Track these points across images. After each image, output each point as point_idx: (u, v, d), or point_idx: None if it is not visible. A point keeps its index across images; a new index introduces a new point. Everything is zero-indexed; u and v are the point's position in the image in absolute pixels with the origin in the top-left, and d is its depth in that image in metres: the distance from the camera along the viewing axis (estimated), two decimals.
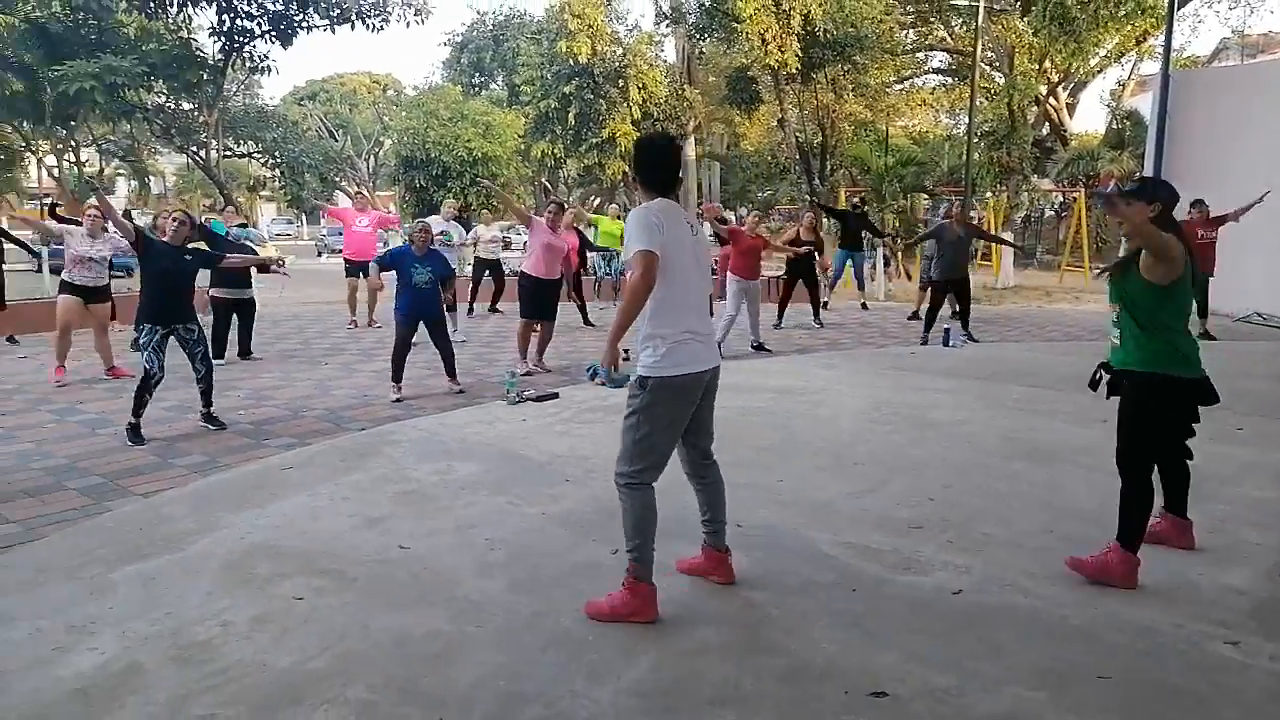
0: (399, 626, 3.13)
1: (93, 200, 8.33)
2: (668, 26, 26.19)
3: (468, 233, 12.63)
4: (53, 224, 8.45)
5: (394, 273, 7.29)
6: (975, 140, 17.95)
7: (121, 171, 39.56)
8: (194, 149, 17.95)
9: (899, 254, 17.09)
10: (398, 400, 6.99)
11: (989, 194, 21.11)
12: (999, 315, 12.94)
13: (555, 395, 6.98)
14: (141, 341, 5.91)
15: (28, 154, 30.10)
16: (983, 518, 4.23)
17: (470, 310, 12.16)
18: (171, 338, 5.97)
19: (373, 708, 2.64)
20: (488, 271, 12.48)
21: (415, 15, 17.24)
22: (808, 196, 21.81)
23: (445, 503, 4.49)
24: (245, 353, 9.03)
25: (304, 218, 51.09)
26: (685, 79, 26.17)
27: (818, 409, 6.54)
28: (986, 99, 22.44)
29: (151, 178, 39.00)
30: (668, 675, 2.84)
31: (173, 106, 18.32)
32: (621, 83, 23.61)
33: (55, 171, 28.03)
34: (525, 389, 6.98)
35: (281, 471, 5.03)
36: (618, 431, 3.25)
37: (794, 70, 20.28)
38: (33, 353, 9.15)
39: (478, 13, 37.19)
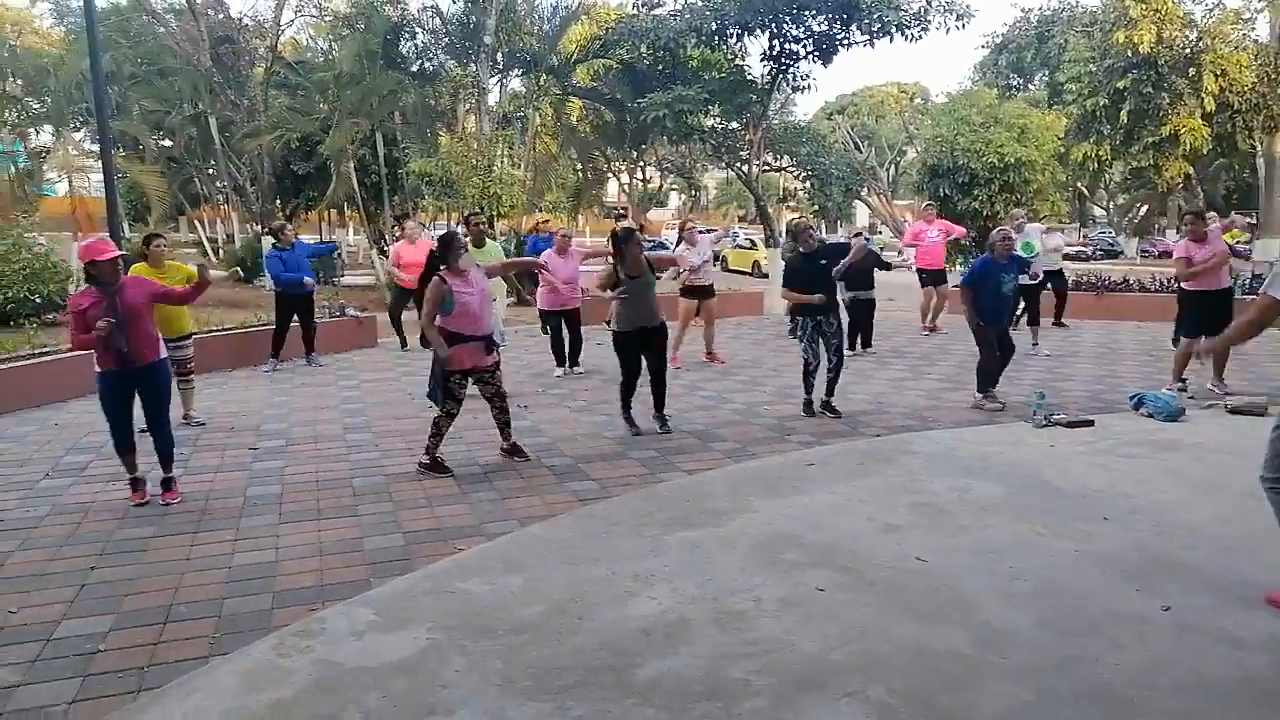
0: (917, 638, 3.12)
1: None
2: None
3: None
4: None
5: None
6: None
7: (675, 186, 45.69)
8: (737, 165, 19.85)
9: None
10: (1000, 408, 7.04)
11: None
12: None
13: (1090, 422, 6.33)
14: (798, 334, 6.83)
15: (609, 173, 36.31)
16: None
17: (1016, 323, 10.59)
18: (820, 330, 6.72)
19: (893, 712, 2.67)
20: (1049, 284, 11.49)
21: (956, 20, 16.76)
22: None
23: (963, 521, 4.35)
24: (866, 343, 10.12)
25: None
26: None
27: None
28: None
29: (698, 191, 44.35)
30: None
31: (723, 127, 20.47)
32: (1193, 71, 20.40)
33: (626, 187, 33.40)
34: (1055, 411, 6.44)
35: (804, 467, 5.33)
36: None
37: None
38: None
39: (1021, 10, 34.92)
